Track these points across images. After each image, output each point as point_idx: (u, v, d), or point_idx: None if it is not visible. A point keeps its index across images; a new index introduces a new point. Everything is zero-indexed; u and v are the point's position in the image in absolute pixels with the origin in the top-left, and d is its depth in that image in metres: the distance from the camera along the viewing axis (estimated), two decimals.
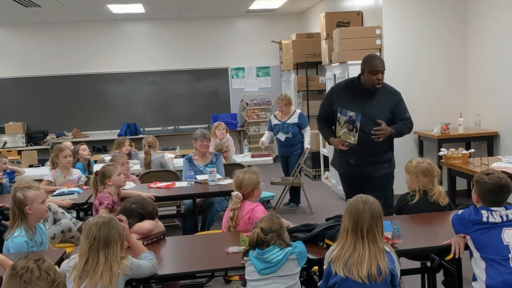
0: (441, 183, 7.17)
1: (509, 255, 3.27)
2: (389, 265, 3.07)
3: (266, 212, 4.11)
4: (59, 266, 3.62)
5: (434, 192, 4.33)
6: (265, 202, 8.34)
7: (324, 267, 3.29)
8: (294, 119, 8.13)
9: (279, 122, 8.20)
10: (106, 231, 3.10)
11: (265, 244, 3.24)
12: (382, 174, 5.27)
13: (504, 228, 3.35)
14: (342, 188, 8.40)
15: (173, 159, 7.86)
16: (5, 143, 11.89)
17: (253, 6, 11.74)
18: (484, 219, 3.38)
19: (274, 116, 8.39)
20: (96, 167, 6.82)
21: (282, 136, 8.14)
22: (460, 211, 3.56)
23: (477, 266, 3.38)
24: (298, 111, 8.32)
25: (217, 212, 6.35)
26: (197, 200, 6.34)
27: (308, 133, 8.21)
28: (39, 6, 10.27)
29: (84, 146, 7.47)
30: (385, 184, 5.29)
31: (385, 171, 5.29)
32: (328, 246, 3.44)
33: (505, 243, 3.31)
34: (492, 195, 3.45)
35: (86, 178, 6.68)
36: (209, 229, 6.15)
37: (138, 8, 11.24)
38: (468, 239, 3.44)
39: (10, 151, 11.22)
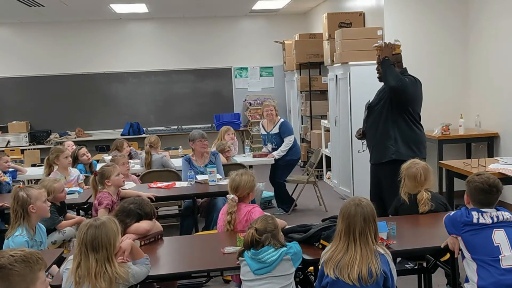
0: (440, 184, 7.25)
1: (500, 256, 3.28)
2: (382, 267, 3.09)
3: (263, 213, 4.13)
4: (58, 266, 3.68)
5: (418, 197, 4.30)
6: (267, 202, 8.37)
7: (319, 267, 3.32)
8: (276, 129, 8.02)
9: (265, 133, 8.19)
10: (93, 234, 3.04)
11: (260, 245, 3.26)
12: (390, 159, 5.41)
13: (494, 229, 3.36)
14: (344, 188, 8.54)
15: (168, 156, 7.91)
16: (9, 142, 11.96)
17: (257, 6, 11.77)
18: (475, 220, 3.39)
19: (262, 125, 8.34)
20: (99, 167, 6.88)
21: (270, 147, 8.11)
22: (452, 213, 3.59)
23: (468, 268, 3.40)
24: (282, 120, 8.14)
25: None
26: (201, 200, 6.38)
27: (286, 143, 7.91)
28: (43, 6, 10.33)
29: (83, 151, 7.36)
30: (394, 173, 5.13)
31: (391, 156, 5.43)
32: (324, 246, 3.46)
33: (495, 244, 3.32)
34: (479, 194, 3.48)
35: (84, 177, 6.71)
36: (212, 228, 6.17)
37: (142, 8, 11.29)
38: (459, 240, 3.46)
39: (14, 150, 11.27)
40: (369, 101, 5.87)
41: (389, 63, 5.45)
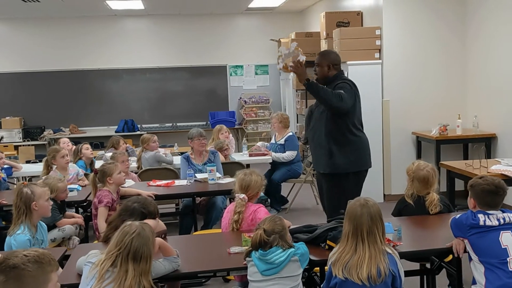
0: (439, 185, 7.25)
1: (507, 259, 3.29)
2: (390, 266, 3.10)
3: (268, 213, 4.11)
4: (60, 265, 3.64)
5: (427, 199, 4.30)
6: (263, 201, 8.32)
7: (326, 268, 3.31)
8: (282, 141, 8.06)
9: (273, 142, 8.26)
10: (138, 244, 2.99)
11: (268, 246, 3.25)
12: (326, 172, 5.14)
13: (501, 232, 3.36)
14: None
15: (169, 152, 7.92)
16: (2, 138, 11.87)
17: (253, 4, 11.74)
18: (481, 223, 3.39)
19: (274, 135, 8.45)
20: (96, 164, 6.84)
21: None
22: (458, 215, 3.59)
23: (476, 270, 3.40)
24: (290, 133, 8.12)
25: (222, 210, 6.28)
26: (200, 198, 6.35)
27: (288, 155, 7.93)
28: (38, 2, 10.25)
29: (87, 146, 7.37)
30: (329, 185, 5.15)
31: (325, 168, 5.14)
32: (330, 247, 3.45)
33: (503, 247, 3.32)
34: (487, 196, 3.48)
35: (83, 172, 6.66)
36: (211, 227, 6.15)
37: (137, 5, 11.22)
38: (466, 243, 3.46)
39: (7, 146, 11.19)
40: (311, 105, 5.56)
41: (316, 84, 4.83)
